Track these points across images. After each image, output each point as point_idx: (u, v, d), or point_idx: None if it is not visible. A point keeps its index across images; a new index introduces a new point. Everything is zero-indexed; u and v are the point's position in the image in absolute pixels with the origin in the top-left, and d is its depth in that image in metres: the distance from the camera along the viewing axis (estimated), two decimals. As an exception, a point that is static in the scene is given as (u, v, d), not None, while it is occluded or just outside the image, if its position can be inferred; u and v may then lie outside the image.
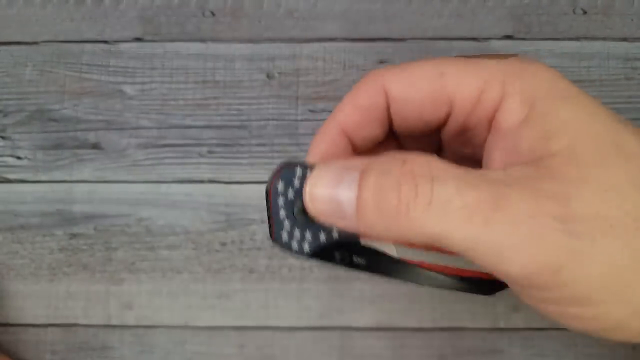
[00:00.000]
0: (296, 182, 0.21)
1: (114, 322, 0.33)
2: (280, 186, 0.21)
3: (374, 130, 0.22)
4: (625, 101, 0.34)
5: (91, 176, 0.35)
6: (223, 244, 0.34)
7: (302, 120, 0.35)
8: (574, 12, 0.35)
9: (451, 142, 0.23)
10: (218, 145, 0.35)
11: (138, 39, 0.36)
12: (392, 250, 0.22)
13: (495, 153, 0.20)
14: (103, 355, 0.33)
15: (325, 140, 0.22)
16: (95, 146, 0.35)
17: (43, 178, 0.35)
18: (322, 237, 0.21)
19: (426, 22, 0.35)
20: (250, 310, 0.33)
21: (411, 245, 0.22)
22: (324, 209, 0.19)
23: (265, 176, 0.34)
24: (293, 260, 0.33)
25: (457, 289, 0.24)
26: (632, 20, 0.35)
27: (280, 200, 0.21)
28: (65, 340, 0.33)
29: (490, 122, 0.20)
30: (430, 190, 0.17)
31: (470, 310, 0.33)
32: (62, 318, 0.34)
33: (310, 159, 0.23)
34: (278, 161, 0.34)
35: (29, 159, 0.35)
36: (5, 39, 0.36)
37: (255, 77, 0.35)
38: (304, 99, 0.35)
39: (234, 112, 0.35)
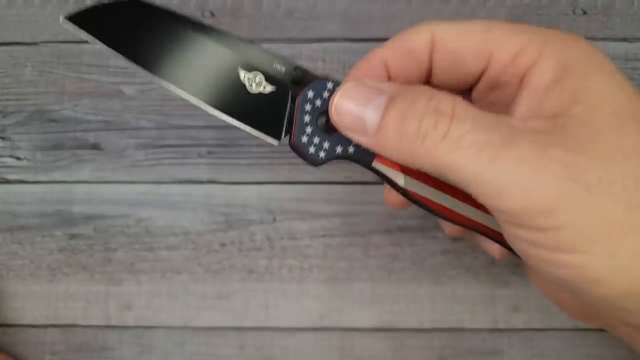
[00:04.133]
0: (325, 94, 0.23)
1: (113, 322, 0.33)
2: (310, 94, 0.23)
3: (412, 71, 0.23)
4: (625, 101, 0.34)
5: (91, 177, 0.35)
6: (222, 245, 0.34)
7: (301, 121, 0.35)
8: (574, 13, 0.35)
9: (480, 102, 0.24)
10: (217, 145, 0.35)
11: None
12: (400, 180, 0.23)
13: (520, 107, 0.21)
14: (102, 355, 0.33)
15: (365, 66, 0.23)
16: (95, 147, 0.35)
17: (42, 178, 0.35)
18: (339, 149, 0.23)
19: (426, 23, 0.35)
20: (249, 311, 0.33)
21: (419, 177, 0.23)
22: (347, 121, 0.21)
23: (265, 176, 0.34)
24: (293, 261, 0.33)
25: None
26: (632, 20, 0.35)
27: (307, 107, 0.23)
28: (64, 341, 0.33)
29: (522, 80, 0.21)
30: (448, 126, 0.19)
31: (470, 310, 0.33)
32: (61, 318, 0.34)
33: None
34: (278, 162, 0.34)
35: (28, 159, 0.35)
36: (5, 40, 0.36)
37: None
38: (304, 99, 0.35)
39: (234, 112, 0.35)
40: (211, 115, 0.35)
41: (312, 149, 0.23)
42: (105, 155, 0.35)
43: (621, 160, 0.18)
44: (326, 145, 0.23)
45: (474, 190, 0.19)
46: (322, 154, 0.23)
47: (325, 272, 0.33)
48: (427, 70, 0.23)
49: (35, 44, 0.36)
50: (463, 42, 0.22)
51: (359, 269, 0.33)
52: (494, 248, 0.26)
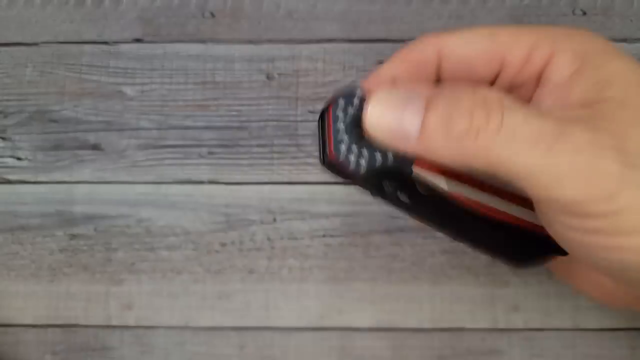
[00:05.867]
0: (356, 101, 0.21)
1: (114, 322, 0.34)
2: (341, 102, 0.21)
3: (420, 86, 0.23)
4: (625, 102, 0.34)
5: (91, 177, 0.35)
6: (223, 245, 0.34)
7: (301, 121, 0.35)
8: (573, 13, 0.35)
9: None
10: (218, 146, 0.35)
11: (138, 40, 0.36)
12: (442, 184, 0.22)
13: (544, 103, 0.21)
14: (103, 355, 0.33)
15: (374, 85, 0.22)
16: (95, 147, 0.35)
17: (43, 179, 0.35)
18: (378, 157, 0.21)
19: (425, 23, 0.35)
20: (250, 311, 0.33)
21: (464, 181, 0.22)
22: (384, 131, 0.20)
23: (265, 177, 0.34)
24: (293, 261, 0.34)
25: (492, 251, 0.24)
26: (631, 21, 0.35)
27: (341, 115, 0.21)
28: (65, 341, 0.33)
29: (539, 79, 0.21)
30: (501, 118, 0.18)
31: (469, 310, 0.33)
32: (62, 319, 0.34)
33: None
34: (278, 162, 0.34)
35: (29, 159, 0.35)
36: (6, 40, 0.36)
37: (255, 78, 0.35)
38: (304, 100, 0.35)
39: (234, 113, 0.35)
40: (212, 116, 0.35)
41: (352, 159, 0.21)
42: (106, 155, 0.35)
43: None
44: (365, 153, 0.21)
45: (529, 183, 0.18)
46: (363, 163, 0.21)
47: (326, 272, 0.33)
48: (435, 82, 0.23)
49: (36, 44, 0.36)
50: (472, 51, 0.22)
51: (359, 269, 0.33)
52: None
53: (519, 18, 0.35)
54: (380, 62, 0.35)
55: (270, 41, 0.36)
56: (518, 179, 0.18)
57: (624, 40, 0.35)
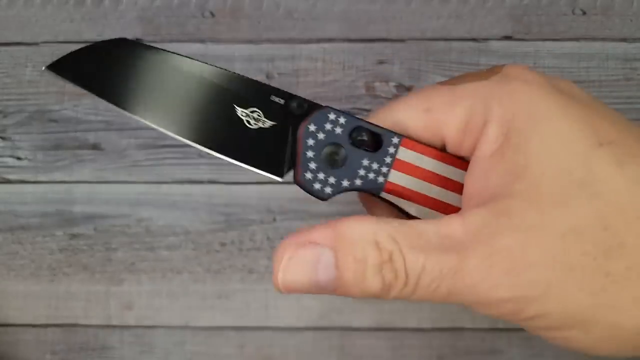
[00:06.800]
0: (327, 126, 0.22)
1: (114, 322, 0.34)
2: (312, 127, 0.22)
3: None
4: (625, 102, 0.34)
5: (91, 177, 0.35)
6: (223, 245, 0.34)
7: (301, 121, 0.35)
8: (573, 13, 0.35)
9: None
10: (218, 145, 0.35)
11: (138, 40, 0.36)
12: (411, 209, 0.22)
13: (470, 185, 0.20)
14: (103, 355, 0.33)
15: None
16: (95, 147, 0.35)
17: (43, 178, 0.35)
18: (345, 183, 0.22)
19: (425, 23, 0.35)
20: (250, 311, 0.33)
21: (431, 206, 0.22)
22: (303, 289, 0.20)
23: (265, 177, 0.34)
24: (293, 261, 0.34)
25: None
26: (631, 20, 0.35)
27: (310, 141, 0.22)
28: (65, 341, 0.33)
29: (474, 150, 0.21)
30: (404, 271, 0.18)
31: (469, 310, 0.33)
32: (62, 318, 0.34)
33: None
34: (278, 162, 0.34)
35: (29, 159, 0.35)
36: (6, 40, 0.36)
37: (255, 78, 0.35)
38: (304, 99, 0.35)
39: (234, 112, 0.35)
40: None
41: (317, 185, 0.22)
42: (106, 155, 0.35)
43: (573, 240, 0.17)
44: (332, 180, 0.22)
45: (464, 303, 0.19)
46: (328, 190, 0.22)
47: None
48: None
49: (36, 44, 0.36)
50: (415, 127, 0.21)
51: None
52: None
53: (518, 17, 0.35)
54: (380, 62, 0.35)
55: (270, 41, 0.36)
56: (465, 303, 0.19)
57: (624, 39, 0.35)
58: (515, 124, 0.19)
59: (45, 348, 0.33)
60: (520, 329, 0.32)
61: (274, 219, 0.34)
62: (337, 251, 0.19)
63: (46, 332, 0.34)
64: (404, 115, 0.21)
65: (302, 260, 0.20)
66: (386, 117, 0.22)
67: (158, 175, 0.35)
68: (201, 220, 0.34)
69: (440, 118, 0.20)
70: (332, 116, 0.21)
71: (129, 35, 0.36)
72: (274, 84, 0.35)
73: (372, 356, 0.33)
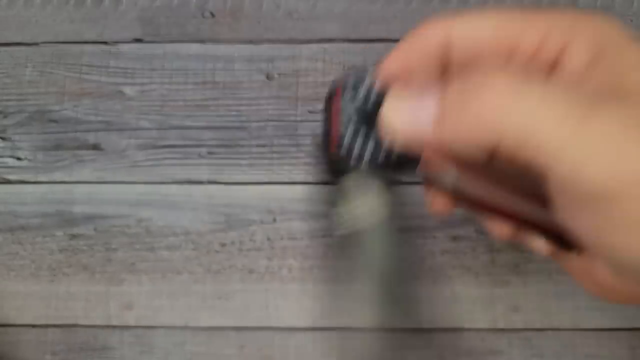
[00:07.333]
0: (363, 91, 0.21)
1: (114, 322, 0.34)
2: (349, 93, 0.21)
3: (430, 72, 0.22)
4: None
5: (91, 177, 0.35)
6: (223, 245, 0.34)
7: (301, 121, 0.35)
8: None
9: None
10: (218, 146, 0.35)
11: (138, 40, 0.36)
12: (451, 178, 0.21)
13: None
14: (103, 355, 0.33)
15: (385, 77, 0.22)
16: (95, 147, 0.35)
17: (43, 179, 0.35)
18: (382, 153, 0.21)
19: (426, 23, 0.35)
20: (250, 311, 0.33)
21: (471, 173, 0.21)
22: (400, 122, 0.19)
23: (265, 177, 0.35)
24: (293, 261, 0.34)
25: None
26: (631, 20, 0.35)
27: (347, 106, 0.21)
28: (65, 341, 0.33)
29: (551, 67, 0.20)
30: (519, 92, 0.17)
31: (469, 310, 0.33)
32: (62, 318, 0.34)
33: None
34: (278, 162, 0.34)
35: (29, 159, 0.35)
36: (6, 40, 0.36)
37: (255, 78, 0.35)
38: (304, 99, 0.35)
39: (234, 113, 0.35)
40: (211, 116, 0.35)
41: (356, 150, 0.20)
42: (106, 155, 0.35)
43: None
44: (370, 146, 0.20)
45: (551, 164, 0.17)
46: (367, 155, 0.20)
47: (325, 272, 0.33)
48: (444, 67, 0.23)
49: (36, 44, 0.36)
50: (481, 38, 0.21)
51: (359, 269, 0.33)
52: (541, 245, 0.24)
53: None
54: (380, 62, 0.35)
55: (270, 41, 0.36)
56: (542, 161, 0.17)
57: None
58: (605, 41, 0.19)
59: (45, 348, 0.33)
60: (520, 329, 0.32)
61: (274, 219, 0.34)
62: (447, 85, 0.19)
63: (46, 333, 0.34)
64: (476, 23, 0.21)
65: (409, 91, 0.19)
66: (457, 26, 0.21)
67: (158, 176, 0.35)
68: (201, 221, 0.34)
69: (517, 29, 0.20)
70: (367, 81, 0.21)
71: (130, 35, 0.36)
72: (274, 84, 0.35)
73: (372, 356, 0.33)
